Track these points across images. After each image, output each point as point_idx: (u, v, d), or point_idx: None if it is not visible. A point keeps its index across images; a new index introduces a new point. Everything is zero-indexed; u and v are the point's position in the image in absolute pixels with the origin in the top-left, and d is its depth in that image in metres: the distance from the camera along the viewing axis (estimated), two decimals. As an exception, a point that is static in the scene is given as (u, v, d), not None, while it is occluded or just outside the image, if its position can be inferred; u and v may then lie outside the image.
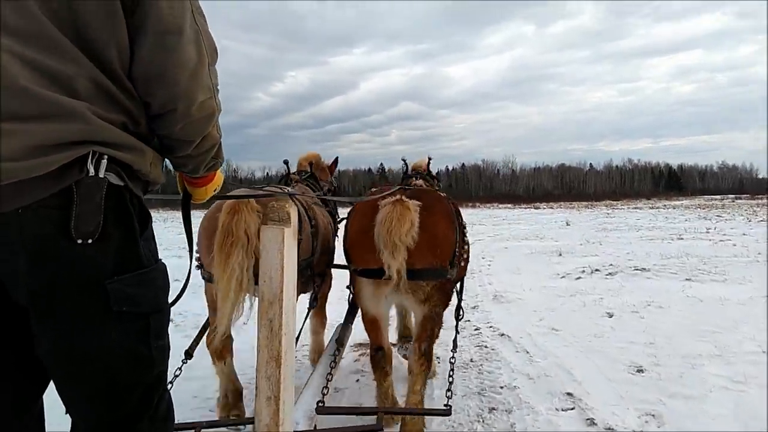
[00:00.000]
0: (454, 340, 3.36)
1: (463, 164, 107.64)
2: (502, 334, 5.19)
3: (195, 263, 2.94)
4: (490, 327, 5.53)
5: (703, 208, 36.09)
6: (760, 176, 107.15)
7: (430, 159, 4.46)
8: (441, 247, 2.91)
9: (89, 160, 1.16)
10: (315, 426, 2.63)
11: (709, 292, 6.99)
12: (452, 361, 3.15)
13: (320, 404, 2.67)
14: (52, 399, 1.36)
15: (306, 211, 3.13)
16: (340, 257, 3.52)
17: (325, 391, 2.76)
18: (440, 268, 2.89)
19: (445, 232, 2.97)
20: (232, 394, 3.13)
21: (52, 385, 1.34)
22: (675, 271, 8.56)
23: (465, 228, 3.31)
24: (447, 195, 3.53)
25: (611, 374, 4.00)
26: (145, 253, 1.30)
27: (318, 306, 3.77)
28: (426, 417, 3.02)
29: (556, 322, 5.57)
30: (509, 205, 55.33)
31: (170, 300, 1.48)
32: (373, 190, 3.55)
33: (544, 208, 45.78)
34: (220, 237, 2.55)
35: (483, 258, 11.43)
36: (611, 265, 9.34)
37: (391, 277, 2.66)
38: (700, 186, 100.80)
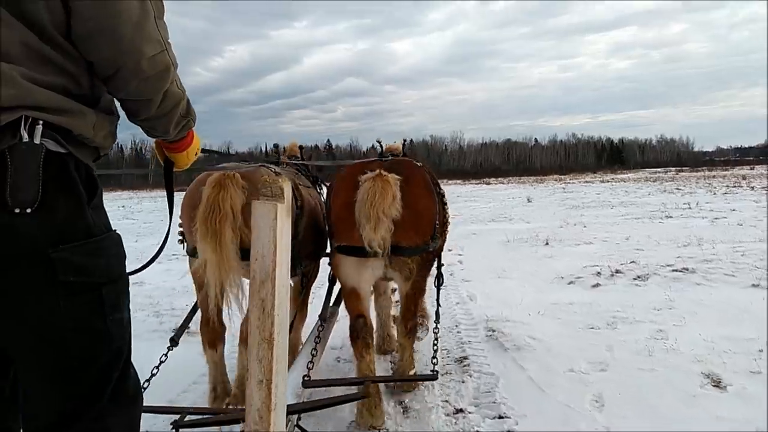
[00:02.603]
0: (437, 312, 3.28)
1: (412, 140, 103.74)
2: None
3: (178, 237, 2.83)
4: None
5: (654, 181, 34.88)
6: (696, 149, 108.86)
7: (405, 141, 4.25)
8: (423, 222, 2.85)
9: (22, 125, 1.08)
10: (303, 401, 2.50)
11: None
12: (436, 331, 3.12)
13: (306, 378, 2.50)
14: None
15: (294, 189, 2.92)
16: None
17: (311, 366, 2.57)
18: (423, 244, 2.84)
19: (426, 205, 2.89)
20: (221, 387, 2.91)
21: None
22: (729, 272, 5.89)
23: (444, 196, 3.20)
24: (423, 164, 3.30)
25: None
26: (94, 222, 1.21)
27: (301, 300, 3.39)
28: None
29: (636, 415, 2.74)
30: (459, 181, 53.10)
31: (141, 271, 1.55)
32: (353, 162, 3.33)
33: (496, 184, 43.66)
34: (204, 211, 2.42)
35: (450, 250, 8.58)
36: (632, 262, 6.63)
37: (374, 253, 2.58)
38: (641, 159, 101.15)
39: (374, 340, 3.17)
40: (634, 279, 5.84)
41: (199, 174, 2.75)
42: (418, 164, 3.20)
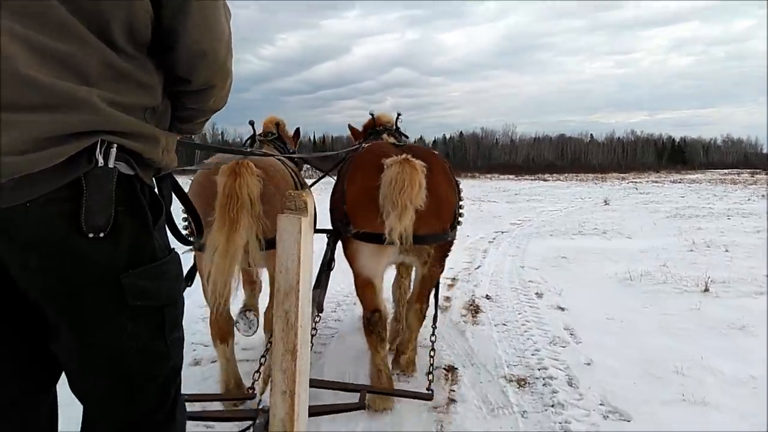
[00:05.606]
0: (435, 315, 3.15)
1: (461, 133, 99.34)
2: None
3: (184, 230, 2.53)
4: None
5: (734, 183, 30.02)
6: (765, 151, 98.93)
7: (399, 114, 3.86)
8: (445, 210, 2.75)
9: (98, 150, 1.04)
10: None
11: None
12: (432, 339, 2.96)
13: None
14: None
15: (296, 175, 3.00)
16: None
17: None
18: (443, 232, 2.75)
19: (447, 194, 2.77)
20: (234, 381, 2.78)
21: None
22: None
23: (460, 185, 3.04)
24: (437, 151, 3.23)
25: None
26: (158, 245, 1.18)
27: None
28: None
29: None
30: (512, 176, 48.85)
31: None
32: (365, 146, 3.20)
33: (553, 181, 39.26)
34: (222, 199, 2.33)
35: (540, 295, 4.98)
36: None
37: (393, 242, 2.42)
38: (704, 159, 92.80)
39: (388, 333, 2.92)
40: None
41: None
42: (435, 152, 3.06)
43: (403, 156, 2.48)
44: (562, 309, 4.51)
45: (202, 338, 3.70)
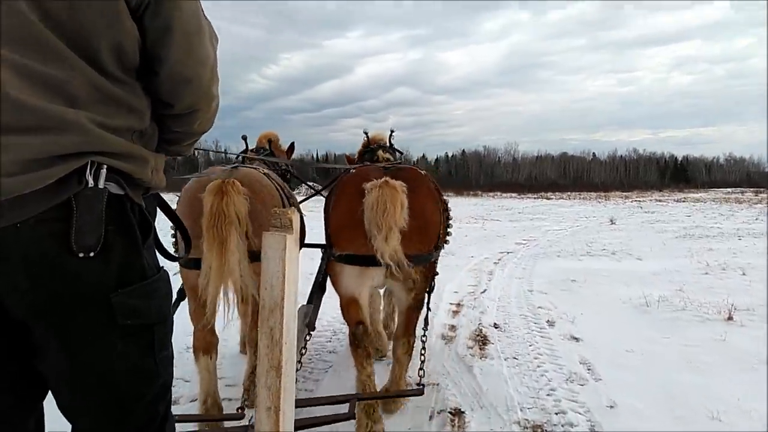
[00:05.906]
0: (426, 318, 3.00)
1: (464, 151, 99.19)
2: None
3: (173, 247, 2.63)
4: None
5: (739, 203, 29.58)
6: (767, 169, 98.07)
7: (392, 131, 3.85)
8: (429, 231, 2.72)
9: (88, 171, 1.05)
10: None
11: None
12: (423, 339, 2.93)
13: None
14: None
15: (282, 190, 2.91)
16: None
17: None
18: (427, 253, 2.73)
19: (431, 214, 2.74)
20: (212, 398, 2.69)
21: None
22: None
23: (447, 204, 3.02)
24: (425, 170, 3.09)
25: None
26: (148, 263, 1.19)
27: None
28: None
29: None
30: (514, 194, 48.55)
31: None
32: (353, 170, 3.07)
33: (556, 199, 38.93)
34: (209, 219, 2.33)
35: (552, 323, 4.61)
36: None
37: (388, 265, 2.41)
38: (707, 178, 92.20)
39: (374, 347, 3.03)
40: None
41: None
42: (422, 171, 2.94)
43: (383, 179, 2.48)
44: (577, 339, 4.16)
45: (185, 372, 3.36)
